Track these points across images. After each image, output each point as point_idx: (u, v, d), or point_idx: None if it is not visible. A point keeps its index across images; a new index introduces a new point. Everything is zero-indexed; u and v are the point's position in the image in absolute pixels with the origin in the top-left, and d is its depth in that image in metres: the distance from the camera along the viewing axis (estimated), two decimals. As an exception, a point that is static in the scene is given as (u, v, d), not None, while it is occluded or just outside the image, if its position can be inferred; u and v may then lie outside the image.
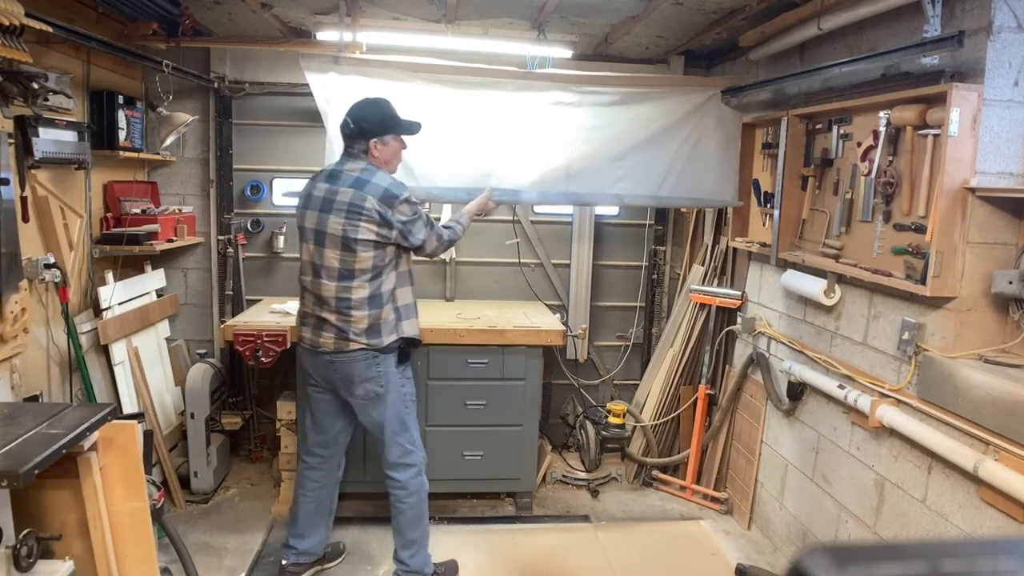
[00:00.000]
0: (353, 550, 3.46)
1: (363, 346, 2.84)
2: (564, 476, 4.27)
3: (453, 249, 3.74)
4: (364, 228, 2.76)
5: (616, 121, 3.61)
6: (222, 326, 3.93)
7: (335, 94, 3.46)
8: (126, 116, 3.60)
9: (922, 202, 2.49)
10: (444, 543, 3.55)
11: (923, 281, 2.42)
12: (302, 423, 3.32)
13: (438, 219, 3.30)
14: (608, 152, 3.62)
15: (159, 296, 4.11)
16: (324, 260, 2.83)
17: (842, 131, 3.03)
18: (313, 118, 3.55)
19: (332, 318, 2.85)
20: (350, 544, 3.49)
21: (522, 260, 4.46)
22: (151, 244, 3.67)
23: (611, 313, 4.66)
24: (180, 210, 4.13)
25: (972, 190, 2.34)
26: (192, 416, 3.76)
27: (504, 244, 4.40)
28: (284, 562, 3.19)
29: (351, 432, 3.18)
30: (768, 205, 3.62)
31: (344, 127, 2.89)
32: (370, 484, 3.76)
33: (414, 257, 3.03)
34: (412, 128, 2.96)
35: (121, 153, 3.59)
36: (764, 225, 3.74)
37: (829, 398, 3.10)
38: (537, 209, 4.42)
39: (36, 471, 1.80)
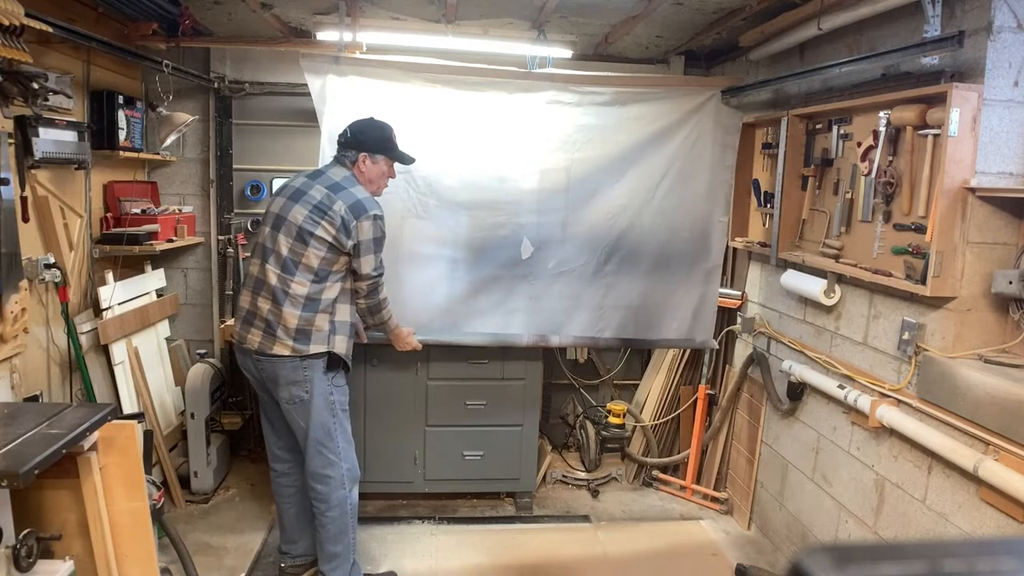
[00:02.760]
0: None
1: (288, 352, 2.77)
2: (564, 476, 4.27)
3: None
4: (323, 227, 2.75)
5: (616, 121, 3.61)
6: (222, 326, 3.94)
7: (333, 94, 3.46)
8: (126, 116, 3.60)
9: (922, 202, 2.49)
10: (444, 543, 3.56)
11: (923, 281, 2.42)
12: (263, 430, 3.19)
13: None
14: (608, 152, 3.61)
15: (159, 296, 4.11)
16: (275, 245, 2.82)
17: (842, 131, 3.03)
18: (313, 118, 3.54)
19: (265, 308, 2.79)
20: (350, 544, 3.49)
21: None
22: (151, 244, 3.67)
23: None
24: (180, 210, 4.13)
25: (972, 190, 2.34)
26: (192, 416, 3.76)
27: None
28: (283, 564, 3.21)
29: None
30: (768, 205, 3.62)
31: (341, 135, 2.95)
32: (370, 484, 3.76)
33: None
34: (404, 159, 3.02)
35: (121, 153, 3.59)
36: (764, 225, 3.74)
37: (829, 398, 3.10)
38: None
39: (36, 471, 1.80)
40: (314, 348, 2.78)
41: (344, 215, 2.75)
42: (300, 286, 2.78)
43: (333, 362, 2.85)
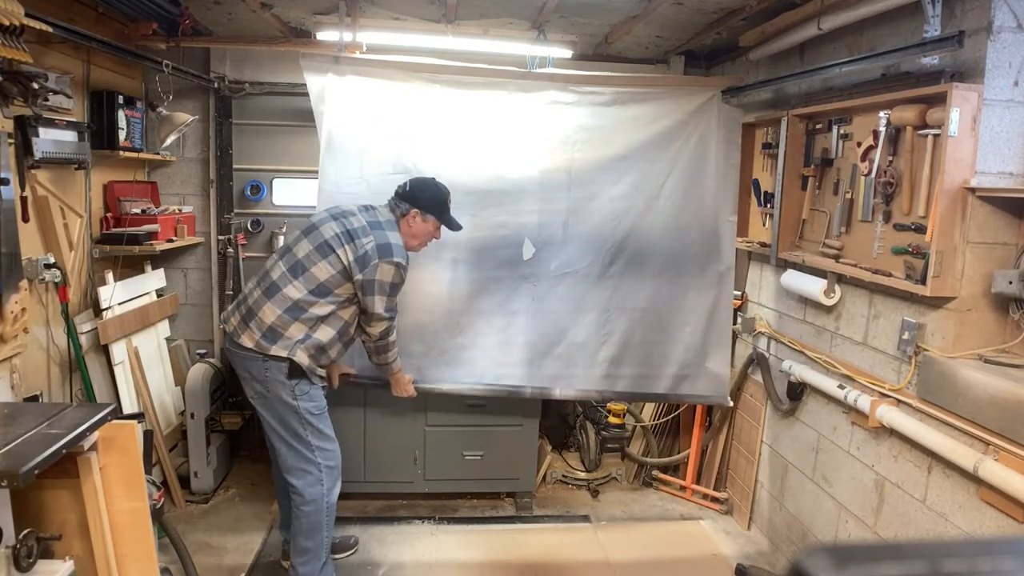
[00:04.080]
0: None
1: (251, 345, 2.79)
2: (564, 476, 4.27)
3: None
4: (345, 250, 2.81)
5: (617, 121, 3.60)
6: (222, 326, 3.93)
7: (333, 94, 3.46)
8: (126, 116, 3.60)
9: (922, 202, 2.49)
10: (444, 543, 3.56)
11: (923, 281, 2.42)
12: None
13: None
14: (609, 152, 3.60)
15: (159, 296, 4.12)
16: (296, 248, 2.89)
17: (842, 131, 3.03)
18: (313, 118, 3.54)
19: (254, 297, 2.85)
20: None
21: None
22: (151, 244, 3.67)
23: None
24: (180, 210, 4.13)
25: (972, 190, 2.34)
26: (192, 416, 3.76)
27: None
28: (284, 544, 3.26)
29: None
30: (768, 205, 3.62)
31: (401, 187, 3.03)
32: (370, 484, 3.77)
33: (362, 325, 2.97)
34: (453, 225, 3.09)
35: (121, 153, 3.59)
36: (764, 225, 3.74)
37: (829, 398, 3.10)
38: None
39: (36, 471, 1.80)
40: (275, 351, 2.78)
41: (369, 250, 2.81)
42: (295, 290, 2.80)
43: (296, 370, 2.82)
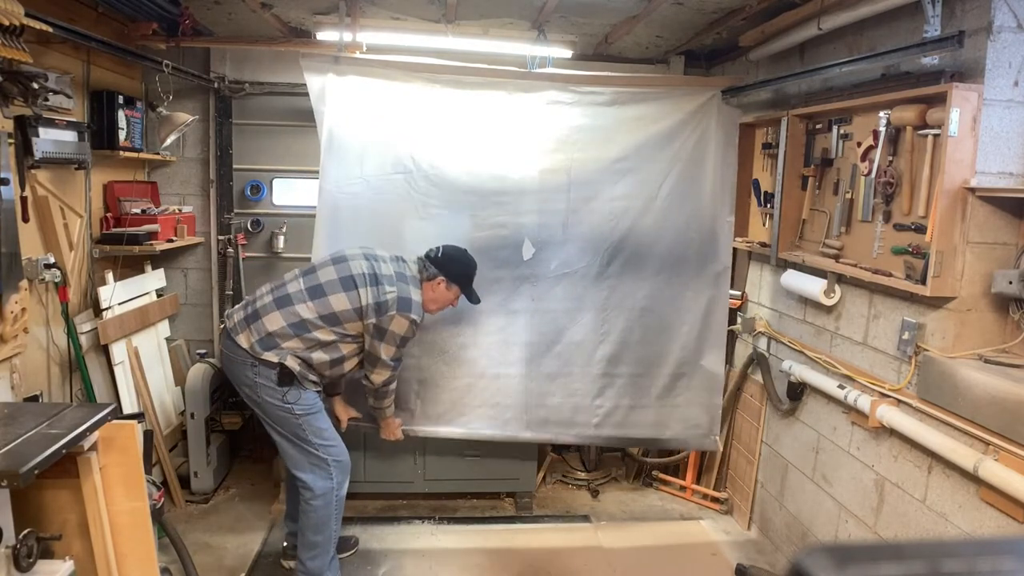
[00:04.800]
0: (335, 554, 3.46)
1: (246, 345, 2.82)
2: (564, 476, 4.27)
3: None
4: (369, 291, 2.88)
5: (616, 121, 3.60)
6: (222, 326, 3.93)
7: (333, 94, 3.46)
8: (126, 116, 3.60)
9: (922, 202, 2.49)
10: (444, 543, 3.56)
11: (923, 281, 2.42)
12: None
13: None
14: (609, 152, 3.60)
15: (159, 296, 4.12)
16: (321, 272, 2.93)
17: (842, 131, 3.03)
18: (313, 118, 3.54)
19: (264, 302, 2.88)
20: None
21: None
22: (151, 244, 3.68)
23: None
24: (180, 210, 4.13)
25: (972, 190, 2.34)
26: (192, 416, 3.76)
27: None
28: (284, 544, 3.28)
29: None
30: (768, 205, 3.62)
31: (434, 251, 3.12)
32: (370, 484, 3.77)
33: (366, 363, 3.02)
34: (473, 298, 3.20)
35: (121, 153, 3.59)
36: (764, 225, 3.74)
37: (829, 398, 3.10)
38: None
39: (36, 471, 1.80)
40: (267, 356, 2.81)
41: (390, 300, 2.88)
42: (307, 310, 2.85)
43: (285, 377, 2.83)
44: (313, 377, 2.91)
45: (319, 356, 2.88)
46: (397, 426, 3.35)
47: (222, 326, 3.04)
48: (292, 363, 2.81)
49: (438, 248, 3.13)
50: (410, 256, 3.13)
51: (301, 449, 2.91)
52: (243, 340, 2.83)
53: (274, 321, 2.83)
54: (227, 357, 2.92)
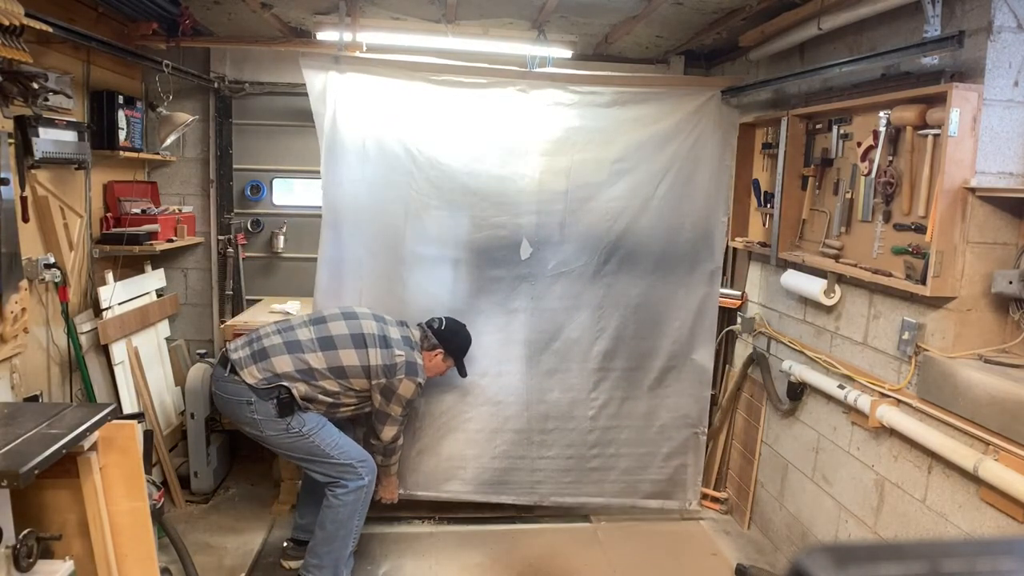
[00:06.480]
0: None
1: (251, 383, 2.84)
2: (564, 476, 4.26)
3: None
4: (380, 352, 2.99)
5: (616, 122, 3.61)
6: (222, 326, 3.93)
7: (333, 94, 3.46)
8: (126, 116, 3.60)
9: (922, 202, 2.49)
10: (445, 543, 3.55)
11: (923, 281, 2.42)
12: None
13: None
14: (608, 153, 3.61)
15: (159, 296, 4.12)
16: (332, 325, 3.02)
17: (842, 131, 3.03)
18: (313, 118, 3.54)
19: (275, 340, 2.94)
20: (350, 544, 3.49)
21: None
22: (151, 244, 3.68)
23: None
24: (180, 210, 4.13)
25: (972, 190, 2.34)
26: (192, 416, 3.76)
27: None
28: (284, 544, 3.31)
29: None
30: (768, 205, 3.62)
31: (438, 321, 3.28)
32: (370, 484, 3.76)
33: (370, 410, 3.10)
34: (463, 372, 3.36)
35: (121, 153, 3.59)
36: (764, 225, 3.74)
37: (829, 398, 3.10)
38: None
39: (36, 471, 1.80)
40: (253, 380, 2.85)
41: (399, 363, 3.01)
42: (317, 360, 2.92)
43: (285, 408, 2.88)
44: (312, 406, 2.97)
45: (321, 399, 2.97)
46: (395, 487, 3.42)
47: (224, 351, 3.05)
48: (284, 377, 2.88)
49: (441, 320, 3.27)
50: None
51: (323, 464, 2.96)
52: (248, 376, 2.86)
53: (283, 364, 2.89)
54: (222, 399, 2.96)
